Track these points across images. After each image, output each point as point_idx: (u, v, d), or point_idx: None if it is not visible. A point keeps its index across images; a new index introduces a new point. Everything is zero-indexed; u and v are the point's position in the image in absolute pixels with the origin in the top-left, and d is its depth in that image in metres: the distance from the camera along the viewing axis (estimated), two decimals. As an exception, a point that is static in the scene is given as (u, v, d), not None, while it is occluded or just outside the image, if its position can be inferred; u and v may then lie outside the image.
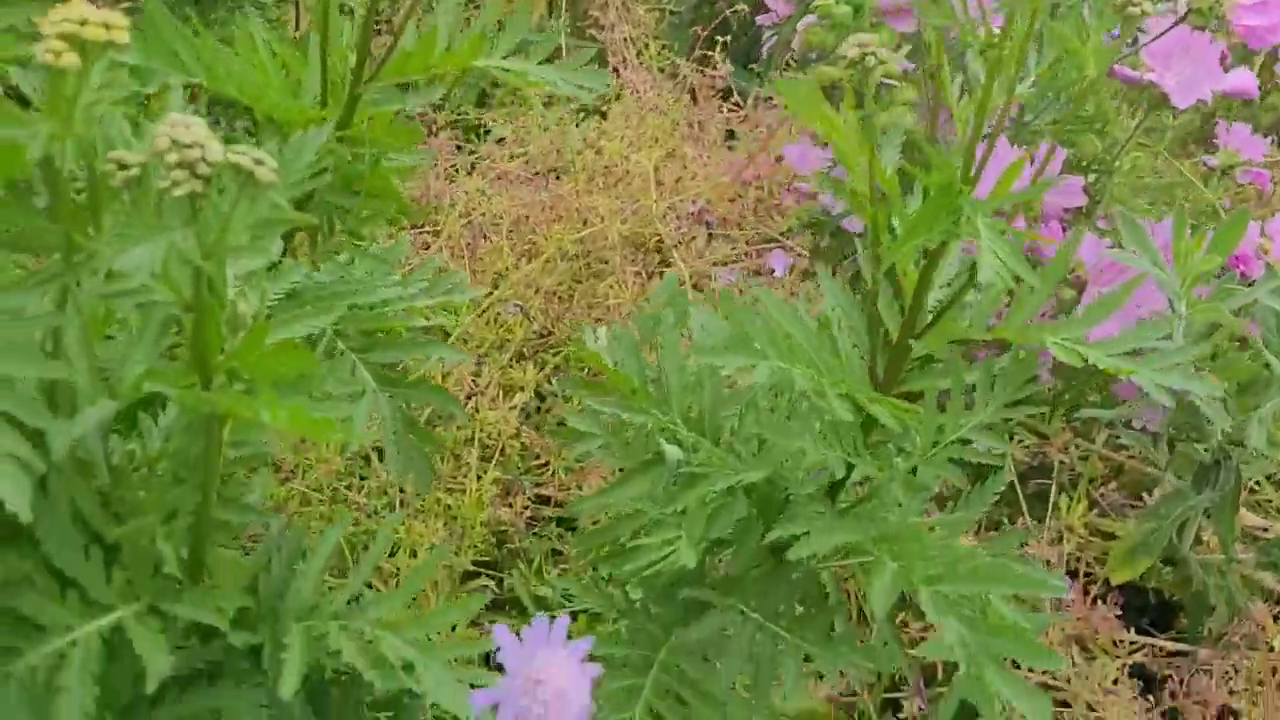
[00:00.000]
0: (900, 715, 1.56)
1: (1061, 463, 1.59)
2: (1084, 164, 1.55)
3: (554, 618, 0.71)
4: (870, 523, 0.99)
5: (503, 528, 1.65)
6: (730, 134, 2.38)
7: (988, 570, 0.91)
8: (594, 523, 1.49)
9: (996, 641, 0.88)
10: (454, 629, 1.37)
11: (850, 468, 0.93)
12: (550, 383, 1.83)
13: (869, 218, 0.82)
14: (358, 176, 1.14)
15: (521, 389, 1.80)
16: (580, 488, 1.74)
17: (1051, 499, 1.59)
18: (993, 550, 1.04)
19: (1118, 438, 1.59)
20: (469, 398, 1.74)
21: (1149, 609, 1.72)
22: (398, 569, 1.51)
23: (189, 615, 0.78)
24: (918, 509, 1.11)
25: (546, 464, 1.76)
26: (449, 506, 1.59)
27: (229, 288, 0.74)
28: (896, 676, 1.63)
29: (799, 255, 1.94)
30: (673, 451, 0.99)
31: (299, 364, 0.69)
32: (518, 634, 0.71)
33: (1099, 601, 1.56)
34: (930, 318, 0.95)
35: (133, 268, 0.61)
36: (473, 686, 0.86)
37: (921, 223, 0.78)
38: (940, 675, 1.61)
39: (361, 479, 1.61)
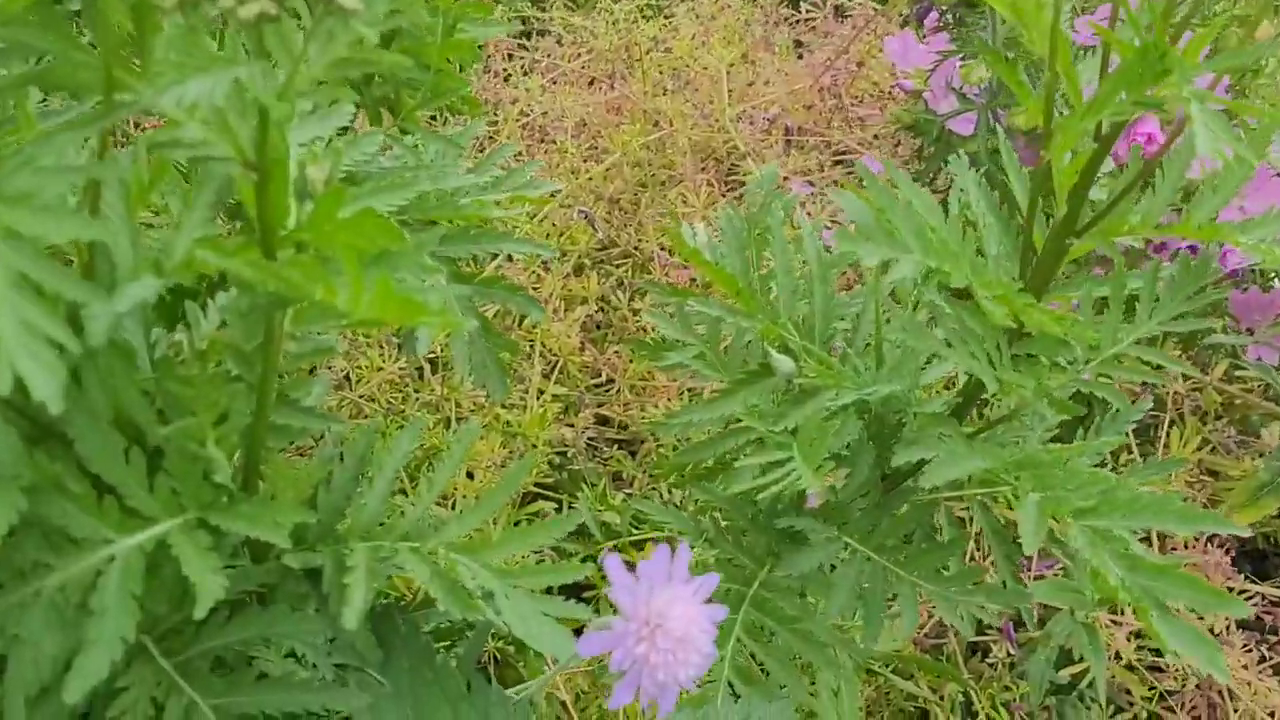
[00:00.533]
0: (988, 660, 1.46)
1: (1175, 394, 1.47)
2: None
3: (674, 546, 0.60)
4: (1007, 449, 0.88)
5: (564, 448, 1.55)
6: (797, 43, 2.24)
7: (1150, 503, 0.80)
8: (675, 446, 1.39)
9: (1163, 583, 0.77)
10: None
11: (995, 384, 0.81)
12: (616, 295, 1.72)
13: (1045, 84, 0.69)
14: (424, 49, 1.02)
15: (584, 301, 1.69)
16: (644, 410, 1.64)
17: (1163, 434, 1.47)
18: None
19: (1237, 369, 1.46)
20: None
21: (1251, 556, 1.61)
22: (455, 488, 1.41)
23: (242, 530, 0.68)
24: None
25: (610, 382, 1.65)
26: (508, 424, 1.49)
27: (293, 153, 0.64)
28: (983, 620, 1.53)
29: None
30: (784, 362, 0.88)
31: (383, 236, 0.58)
32: (630, 564, 0.60)
33: (1209, 545, 1.45)
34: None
35: (186, 106, 0.50)
36: (559, 621, 0.76)
37: (1115, 89, 0.66)
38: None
39: (415, 392, 1.51)
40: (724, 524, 1.06)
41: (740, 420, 0.95)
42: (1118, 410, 1.02)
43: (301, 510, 0.71)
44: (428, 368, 1.56)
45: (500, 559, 0.77)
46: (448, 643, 1.18)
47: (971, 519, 1.16)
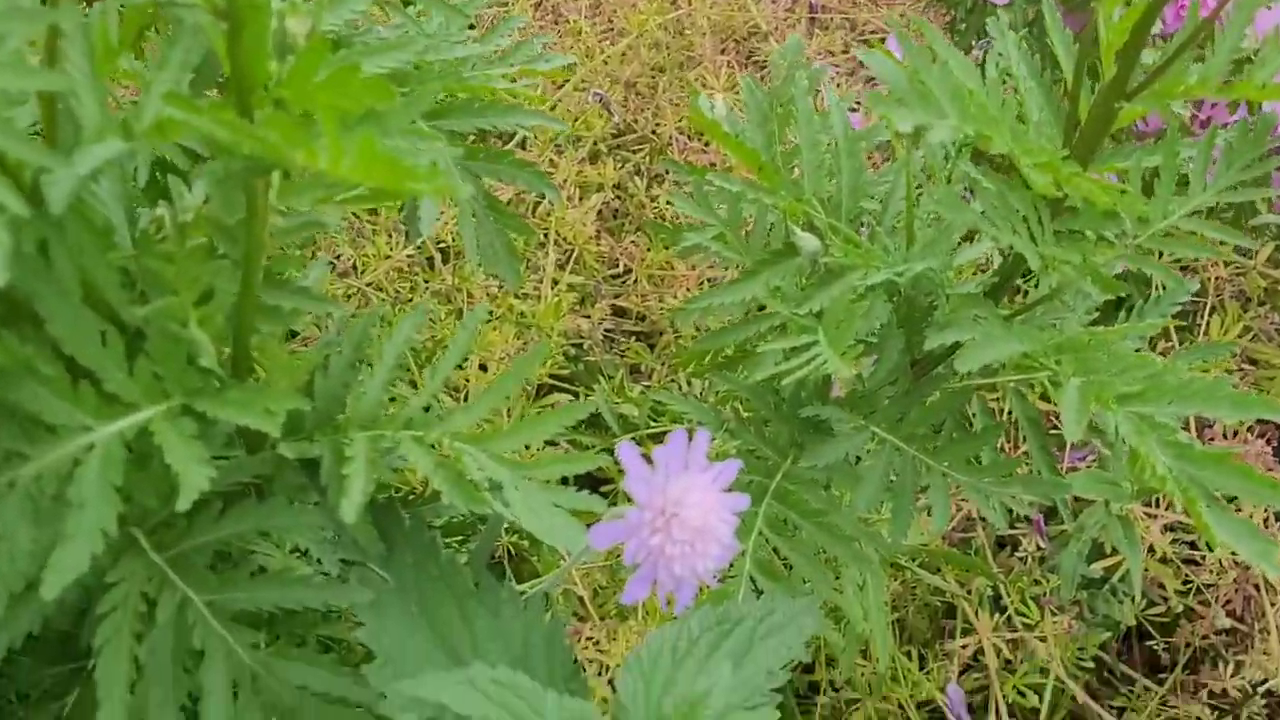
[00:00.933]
0: (1017, 554, 1.43)
1: (1216, 279, 1.41)
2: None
3: (691, 432, 0.56)
4: (1046, 332, 0.83)
5: (580, 340, 1.51)
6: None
7: (1201, 388, 0.75)
8: (694, 335, 1.35)
9: (1212, 473, 0.73)
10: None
11: (1037, 259, 0.76)
12: (633, 182, 1.66)
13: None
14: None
15: (600, 188, 1.63)
16: (663, 300, 1.59)
17: (1203, 321, 1.42)
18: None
19: (1283, 251, 1.40)
20: (542, 196, 1.57)
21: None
22: (467, 380, 1.37)
23: (230, 418, 0.64)
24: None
25: (627, 272, 1.60)
26: (522, 314, 1.44)
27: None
28: (1013, 513, 1.49)
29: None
30: (809, 240, 0.82)
31: (369, 94, 0.52)
32: (646, 454, 0.56)
33: (1249, 435, 1.40)
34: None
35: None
36: (573, 513, 0.72)
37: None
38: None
39: (425, 282, 1.47)
40: (746, 414, 1.02)
41: (762, 305, 0.91)
42: (1159, 294, 0.97)
43: (295, 397, 0.67)
44: (438, 257, 1.52)
45: (510, 449, 0.73)
46: (459, 538, 1.15)
47: (1006, 409, 1.12)
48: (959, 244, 0.97)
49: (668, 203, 1.57)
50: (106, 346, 0.61)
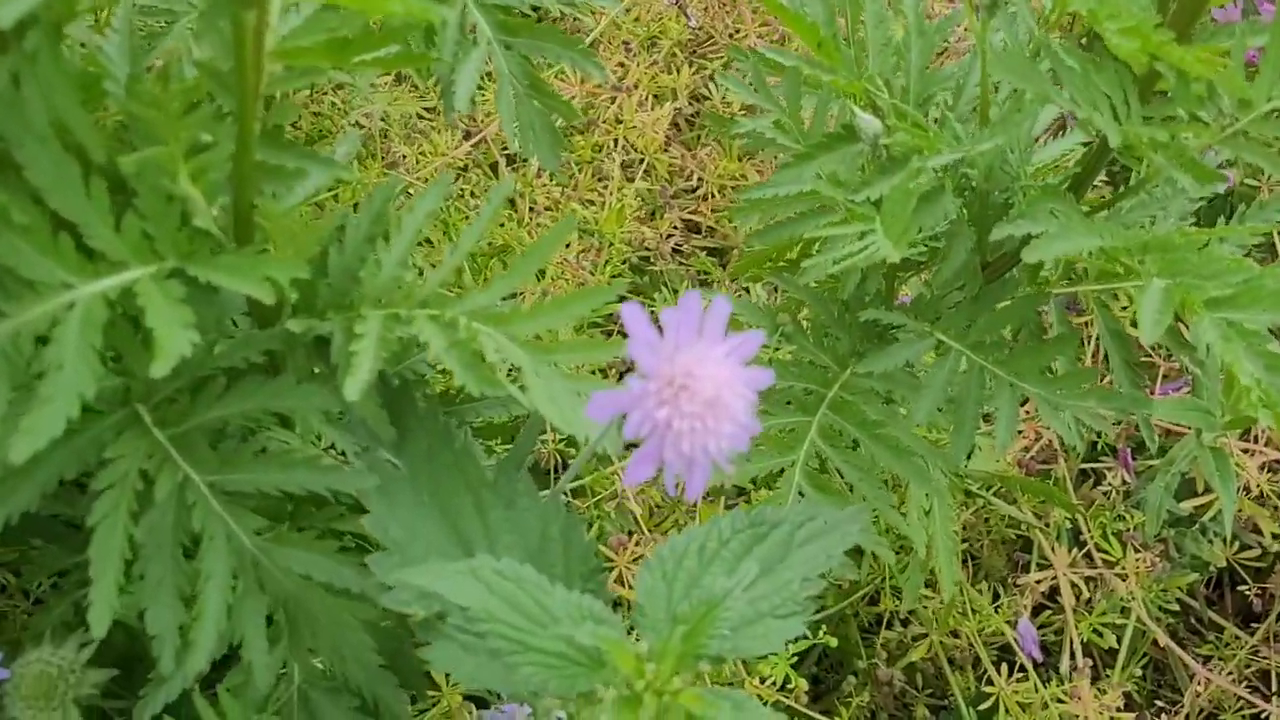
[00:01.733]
0: (1101, 488, 1.35)
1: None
2: None
3: (708, 298, 0.50)
4: (1133, 230, 0.76)
5: (645, 251, 1.45)
6: None
7: (1301, 290, 0.67)
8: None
9: (1309, 384, 0.65)
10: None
11: (1119, 138, 0.68)
12: (709, 89, 1.59)
13: None
14: None
15: (674, 95, 1.56)
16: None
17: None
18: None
19: None
20: (612, 100, 1.51)
21: None
22: (521, 287, 1.32)
23: (225, 283, 0.60)
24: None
25: (699, 184, 1.54)
26: (585, 221, 1.39)
27: None
28: (1098, 444, 1.41)
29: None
30: (869, 121, 0.76)
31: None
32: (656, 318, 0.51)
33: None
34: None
35: None
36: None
37: None
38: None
39: (486, 188, 1.42)
40: (804, 322, 0.96)
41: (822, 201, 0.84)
42: (1263, 200, 0.89)
43: (299, 265, 0.63)
44: (503, 162, 1.47)
45: (532, 332, 0.68)
46: (498, 441, 1.11)
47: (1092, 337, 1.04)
48: (1039, 141, 0.90)
49: (742, 112, 1.50)
50: (91, 198, 0.58)
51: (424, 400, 0.70)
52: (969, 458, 0.87)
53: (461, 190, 1.39)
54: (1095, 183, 0.86)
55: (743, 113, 1.51)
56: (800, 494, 0.87)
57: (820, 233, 0.74)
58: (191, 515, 0.67)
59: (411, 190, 1.33)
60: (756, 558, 0.68)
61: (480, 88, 1.26)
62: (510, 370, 0.68)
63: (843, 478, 0.92)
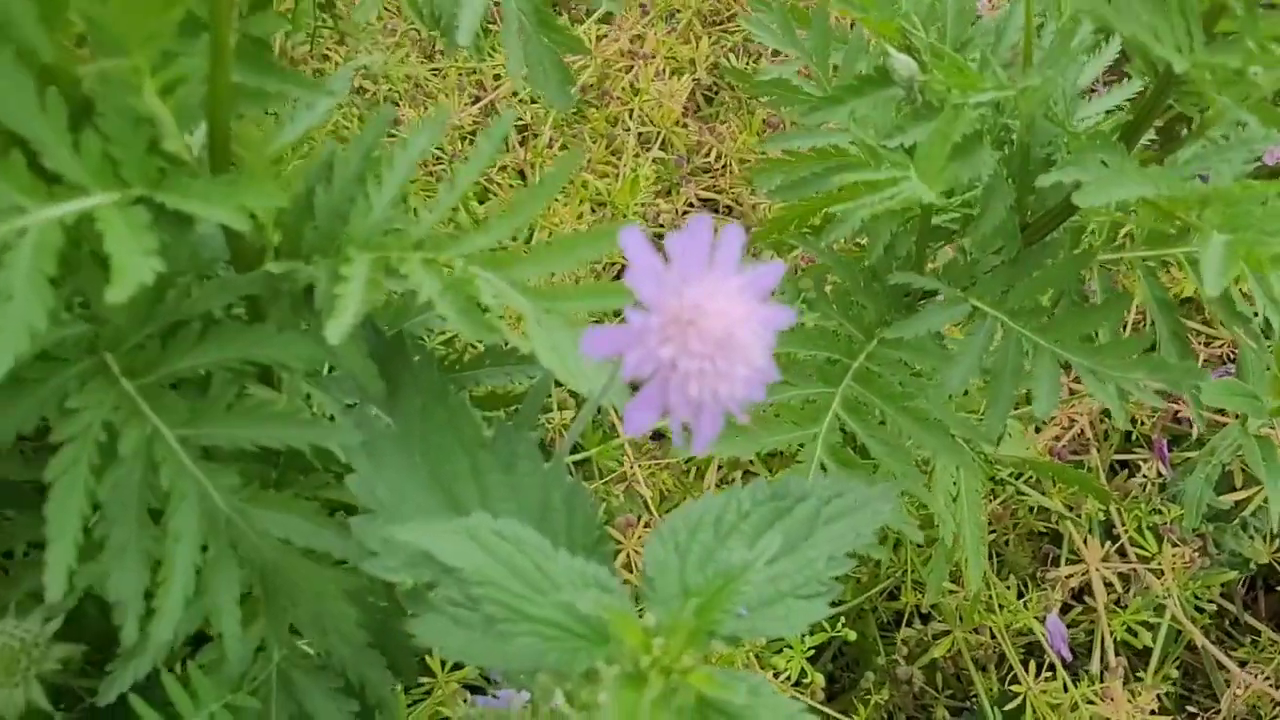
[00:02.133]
0: (1138, 478, 1.29)
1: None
2: None
3: (719, 226, 0.45)
4: (1190, 181, 0.70)
5: (659, 227, 1.40)
6: None
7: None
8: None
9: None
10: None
11: (1185, 64, 0.62)
12: (729, 61, 1.53)
13: None
14: None
15: (692, 65, 1.51)
16: (754, 190, 1.47)
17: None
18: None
19: None
20: (628, 69, 1.46)
21: None
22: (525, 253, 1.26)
23: (195, 211, 0.55)
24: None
25: (717, 159, 1.48)
26: (597, 191, 1.33)
27: None
28: (1134, 434, 1.35)
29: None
30: (904, 62, 0.70)
31: None
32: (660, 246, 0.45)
33: None
34: None
35: None
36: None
37: None
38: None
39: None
40: (828, 288, 0.90)
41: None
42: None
43: (277, 193, 0.58)
44: (513, 133, 1.41)
45: (534, 276, 0.63)
46: (501, 411, 1.05)
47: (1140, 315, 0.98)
48: (1085, 95, 0.84)
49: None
50: (47, 113, 0.52)
51: (418, 353, 0.64)
52: (999, 441, 0.81)
53: (466, 157, 1.33)
54: (1143, 141, 0.80)
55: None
56: (823, 469, 0.81)
57: (850, 178, 0.68)
58: (159, 472, 0.61)
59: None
60: (779, 532, 0.62)
61: (492, 46, 1.21)
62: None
63: (868, 455, 0.87)
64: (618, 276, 1.30)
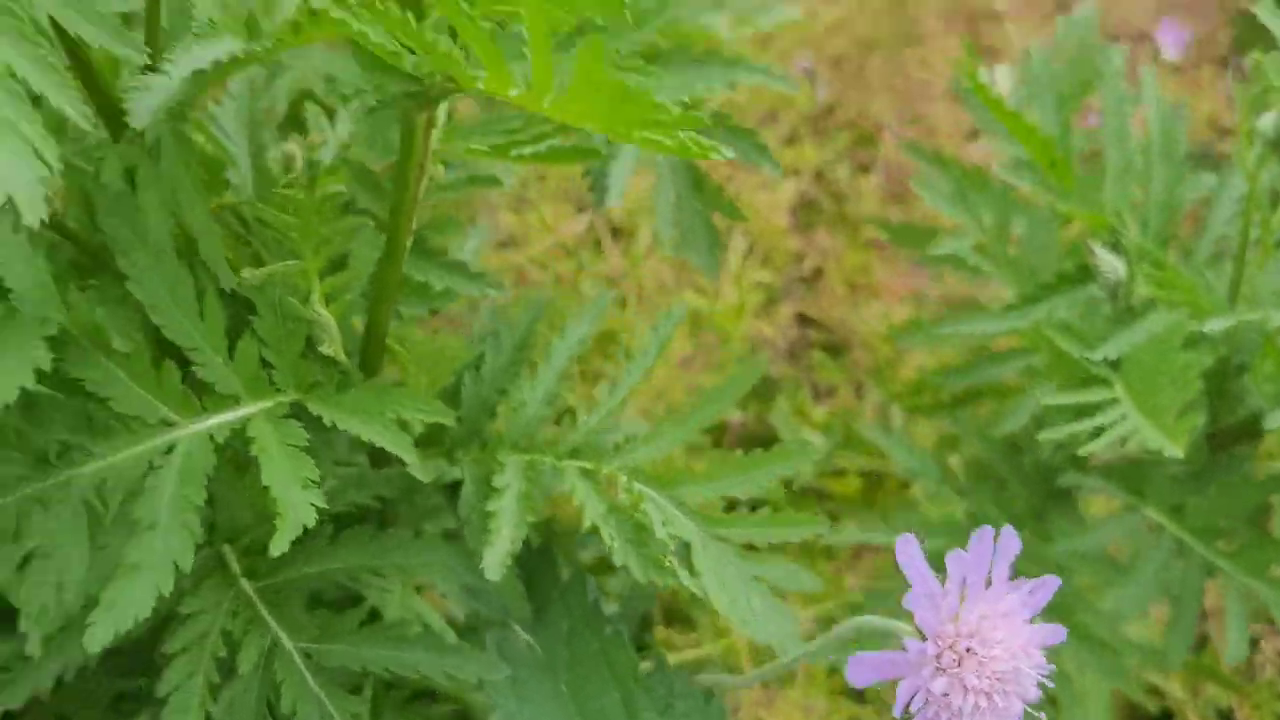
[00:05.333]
0: (1255, 657, 1.23)
1: None
2: None
3: (997, 531, 0.40)
4: None
5: (759, 347, 1.35)
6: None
7: None
8: (891, 350, 1.18)
9: None
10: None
11: None
12: (835, 169, 1.50)
13: None
14: None
15: (797, 173, 1.47)
16: (857, 309, 1.43)
17: None
18: None
19: None
20: (727, 179, 1.42)
21: None
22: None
23: (349, 427, 0.50)
24: None
25: (817, 273, 1.44)
26: (697, 312, 1.29)
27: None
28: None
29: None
30: (1112, 265, 0.66)
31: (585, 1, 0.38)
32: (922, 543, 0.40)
33: None
34: None
35: None
36: (779, 594, 0.57)
37: None
38: None
39: (590, 263, 1.32)
40: (972, 469, 0.86)
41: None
42: None
43: (434, 405, 0.54)
44: (608, 236, 1.37)
45: (703, 498, 0.58)
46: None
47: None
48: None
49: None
50: (205, 319, 0.48)
51: (568, 568, 0.60)
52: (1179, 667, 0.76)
53: (563, 271, 1.29)
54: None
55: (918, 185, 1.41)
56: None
57: (1054, 400, 0.64)
58: (281, 692, 0.57)
59: (525, 273, 1.23)
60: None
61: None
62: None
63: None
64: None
